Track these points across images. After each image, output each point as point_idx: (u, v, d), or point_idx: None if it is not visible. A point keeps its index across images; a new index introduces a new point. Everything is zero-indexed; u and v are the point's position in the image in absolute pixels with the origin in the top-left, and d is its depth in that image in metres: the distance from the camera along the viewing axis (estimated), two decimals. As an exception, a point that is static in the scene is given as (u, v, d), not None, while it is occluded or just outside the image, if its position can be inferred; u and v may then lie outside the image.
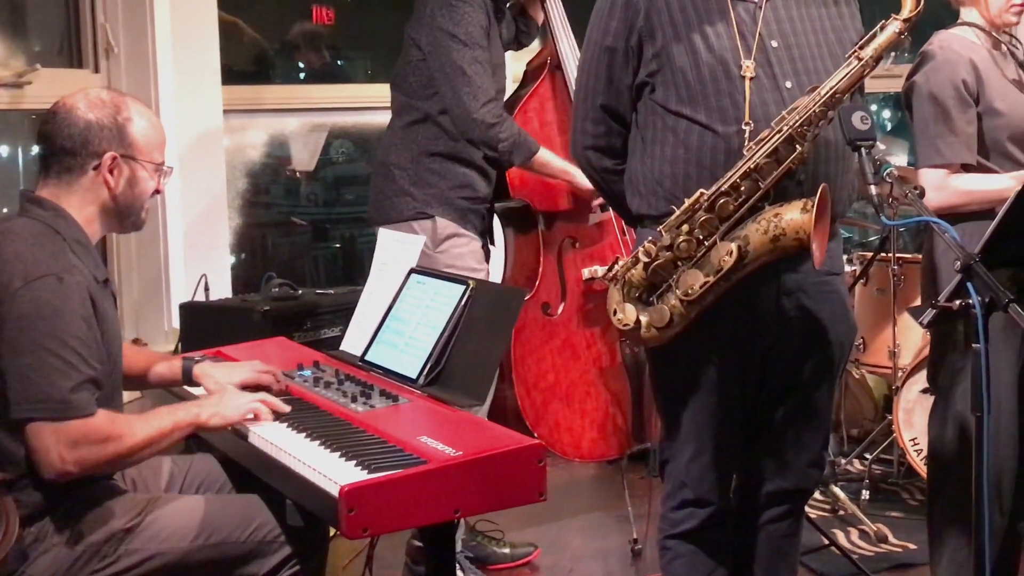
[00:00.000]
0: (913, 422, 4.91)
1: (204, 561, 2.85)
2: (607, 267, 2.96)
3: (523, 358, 4.91)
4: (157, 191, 3.01)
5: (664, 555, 3.17)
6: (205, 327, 4.50)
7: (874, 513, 4.88)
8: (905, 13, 2.82)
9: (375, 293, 3.46)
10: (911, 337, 5.17)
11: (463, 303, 3.10)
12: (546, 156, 4.36)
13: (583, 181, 4.09)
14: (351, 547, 3.95)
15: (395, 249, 3.51)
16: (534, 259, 4.89)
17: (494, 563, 4.49)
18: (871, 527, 4.69)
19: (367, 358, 3.31)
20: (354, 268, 6.82)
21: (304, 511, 2.81)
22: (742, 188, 2.79)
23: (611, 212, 4.68)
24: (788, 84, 2.89)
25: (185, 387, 3.29)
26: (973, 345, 2.60)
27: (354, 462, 2.56)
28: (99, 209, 2.94)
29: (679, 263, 2.83)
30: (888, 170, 2.77)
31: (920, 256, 3.80)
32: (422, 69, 4.25)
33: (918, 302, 4.36)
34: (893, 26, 2.82)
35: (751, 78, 2.87)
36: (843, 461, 5.38)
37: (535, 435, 4.60)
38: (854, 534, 4.72)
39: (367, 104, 6.04)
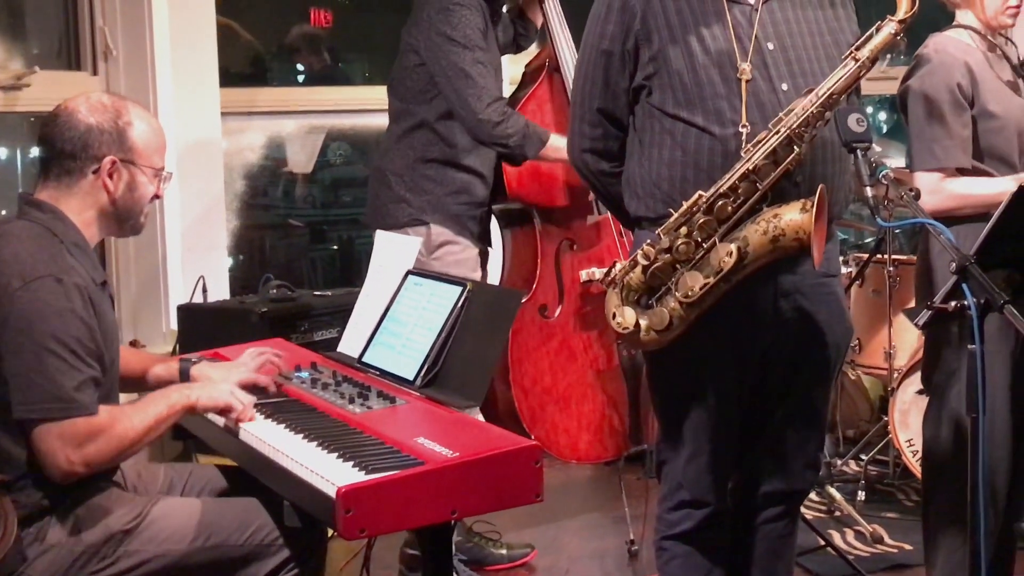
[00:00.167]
0: (909, 423, 4.92)
1: (203, 563, 2.86)
2: (605, 270, 2.97)
3: (520, 360, 4.92)
4: (156, 196, 3.01)
5: (661, 556, 3.17)
6: (203, 329, 4.51)
7: (870, 514, 4.89)
8: (900, 14, 2.83)
9: (372, 295, 3.47)
10: (907, 338, 5.18)
11: (460, 304, 3.10)
12: (559, 141, 4.34)
13: None
14: (349, 548, 3.96)
15: (392, 251, 3.51)
16: (531, 261, 4.89)
17: (491, 564, 4.50)
18: (867, 528, 4.70)
19: (364, 359, 3.31)
20: (351, 270, 6.82)
21: (302, 512, 2.81)
22: (740, 190, 2.79)
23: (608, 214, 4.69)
24: (784, 86, 2.90)
25: None
26: (968, 346, 2.61)
27: (351, 463, 2.56)
28: (98, 213, 2.94)
29: (678, 265, 2.84)
30: (884, 172, 2.77)
31: (916, 258, 3.80)
32: (420, 74, 4.25)
33: (913, 303, 4.36)
34: (889, 27, 2.83)
35: (747, 80, 2.87)
36: (839, 462, 5.39)
37: (532, 437, 4.61)
38: (850, 535, 4.73)
39: (365, 107, 6.05)
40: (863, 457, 5.35)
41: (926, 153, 3.54)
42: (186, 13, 5.31)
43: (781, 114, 2.80)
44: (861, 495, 5.08)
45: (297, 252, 6.96)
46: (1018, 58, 3.72)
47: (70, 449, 2.69)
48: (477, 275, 4.33)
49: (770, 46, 2.92)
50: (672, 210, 2.85)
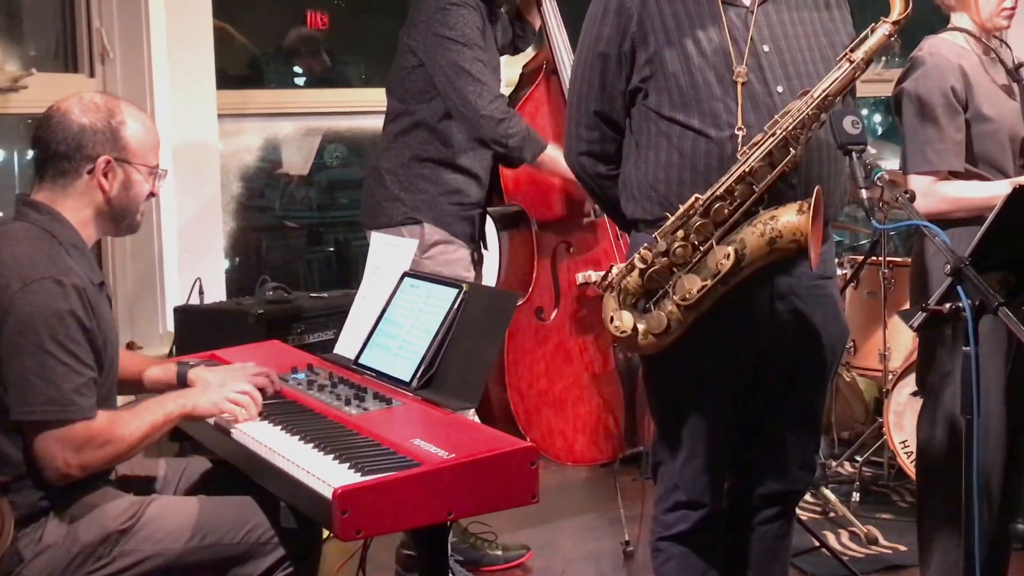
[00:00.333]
0: (903, 424, 4.93)
1: (199, 562, 2.86)
2: (602, 274, 2.97)
3: (516, 363, 4.92)
4: (152, 194, 3.02)
5: (656, 557, 3.18)
6: (199, 330, 4.51)
7: (864, 515, 4.90)
8: (894, 15, 2.83)
9: (368, 296, 3.47)
10: (901, 340, 5.19)
11: (456, 306, 3.11)
12: (556, 152, 4.35)
13: None
14: (345, 549, 3.97)
15: (388, 253, 3.52)
16: (528, 263, 4.89)
17: (487, 565, 4.51)
18: (861, 529, 4.71)
19: (361, 361, 3.32)
20: (348, 272, 6.82)
21: (298, 513, 2.82)
22: (736, 192, 2.80)
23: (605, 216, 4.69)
24: (780, 88, 2.90)
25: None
26: (963, 348, 2.61)
27: (347, 464, 2.57)
28: (94, 212, 2.94)
29: (675, 269, 2.84)
30: (879, 174, 2.77)
31: (910, 259, 3.80)
32: (418, 75, 4.25)
33: (908, 305, 4.37)
34: (883, 29, 2.83)
35: (743, 83, 2.88)
36: (834, 463, 5.40)
37: (527, 439, 4.61)
38: (844, 536, 4.74)
39: (361, 108, 6.05)
40: (858, 458, 5.36)
41: (919, 156, 3.54)
42: (183, 15, 5.31)
43: (777, 116, 2.81)
44: (856, 496, 5.09)
45: (294, 254, 6.96)
46: (1013, 61, 3.72)
47: (68, 453, 2.71)
48: (470, 275, 4.33)
49: (765, 48, 2.92)
50: (668, 213, 2.86)
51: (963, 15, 3.66)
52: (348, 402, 3.01)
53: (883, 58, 2.92)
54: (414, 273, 3.37)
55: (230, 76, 6.10)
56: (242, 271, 6.31)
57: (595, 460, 5.20)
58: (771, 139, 2.78)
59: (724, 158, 2.86)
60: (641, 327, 2.86)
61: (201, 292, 4.82)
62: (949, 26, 3.69)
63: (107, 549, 2.81)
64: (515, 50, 4.91)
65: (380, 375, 3.21)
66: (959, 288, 2.62)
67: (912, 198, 2.85)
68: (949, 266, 2.63)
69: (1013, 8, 3.62)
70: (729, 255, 2.78)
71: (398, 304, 3.31)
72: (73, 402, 2.71)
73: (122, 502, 2.88)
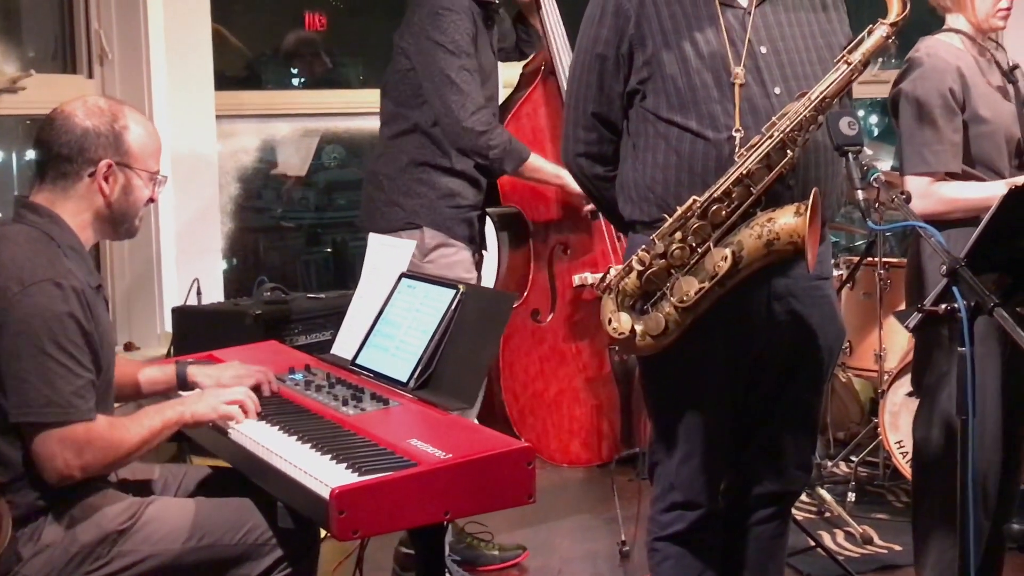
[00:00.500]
0: (899, 425, 4.94)
1: (197, 563, 2.86)
2: (599, 276, 2.98)
3: (512, 364, 4.93)
4: (152, 200, 3.02)
5: (653, 557, 3.18)
6: (197, 331, 4.52)
7: (860, 515, 4.90)
8: (892, 17, 2.83)
9: (366, 297, 3.48)
10: (897, 341, 5.20)
11: (453, 307, 3.11)
12: (537, 162, 4.37)
13: (575, 185, 4.11)
14: (342, 549, 3.97)
15: (386, 254, 3.52)
16: (524, 265, 4.91)
17: (483, 565, 4.51)
18: (857, 529, 4.71)
19: (358, 362, 3.32)
20: (345, 273, 6.83)
21: (295, 513, 2.83)
22: (734, 194, 2.80)
23: (602, 219, 4.69)
24: (777, 90, 2.90)
25: (180, 392, 3.29)
26: (959, 349, 2.62)
27: (345, 465, 2.58)
28: (93, 216, 2.94)
29: (673, 270, 2.84)
30: (875, 175, 2.78)
31: (906, 260, 3.81)
32: (411, 78, 4.26)
33: (904, 306, 4.38)
34: (880, 30, 2.83)
35: (741, 84, 2.88)
36: (829, 463, 5.40)
37: (522, 440, 4.62)
38: (840, 536, 4.74)
39: (359, 110, 6.06)
40: (853, 459, 5.36)
41: (917, 157, 3.55)
42: (181, 16, 5.32)
43: (774, 118, 2.81)
44: (851, 496, 5.08)
45: (291, 255, 6.97)
46: (1008, 63, 3.73)
47: (69, 454, 2.72)
48: (472, 276, 4.34)
49: (763, 50, 2.92)
50: (666, 214, 2.86)
51: (959, 16, 3.66)
52: (345, 402, 3.01)
53: (879, 59, 2.93)
54: (411, 274, 3.37)
55: (228, 77, 6.11)
56: (240, 272, 6.32)
57: (590, 462, 5.22)
58: (769, 141, 2.77)
59: (722, 160, 2.86)
60: (639, 328, 2.87)
61: (199, 293, 4.83)
62: (944, 27, 3.69)
63: (105, 549, 2.81)
64: (521, 55, 4.92)
65: (377, 376, 3.21)
66: (955, 289, 2.62)
67: (908, 199, 2.85)
68: (945, 267, 2.64)
69: (1009, 8, 3.61)
70: (727, 257, 2.78)
71: (395, 305, 3.32)
72: (73, 404, 2.72)
73: (121, 503, 2.89)
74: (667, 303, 2.84)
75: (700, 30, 2.92)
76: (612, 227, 4.55)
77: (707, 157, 2.89)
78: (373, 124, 4.53)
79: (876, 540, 4.66)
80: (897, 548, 4.57)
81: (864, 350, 5.37)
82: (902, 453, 4.92)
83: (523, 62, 5.07)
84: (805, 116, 2.78)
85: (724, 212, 2.81)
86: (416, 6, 4.28)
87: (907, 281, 3.73)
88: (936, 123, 3.52)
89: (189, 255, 5.36)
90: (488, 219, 4.68)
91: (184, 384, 3.26)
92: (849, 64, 2.81)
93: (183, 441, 4.09)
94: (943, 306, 2.66)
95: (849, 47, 2.86)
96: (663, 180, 2.94)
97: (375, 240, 3.63)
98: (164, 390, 3.30)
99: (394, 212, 4.28)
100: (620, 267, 2.91)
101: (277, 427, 2.91)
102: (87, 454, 2.74)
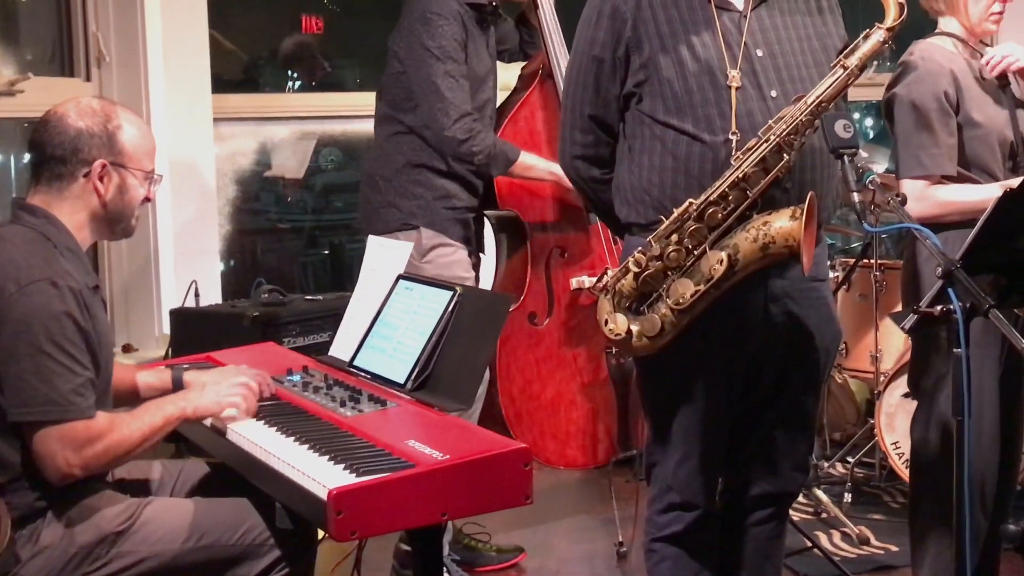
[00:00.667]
0: (895, 426, 4.94)
1: (195, 563, 2.87)
2: (596, 278, 2.98)
3: (508, 367, 4.94)
4: (147, 199, 3.02)
5: (650, 558, 3.18)
6: (195, 333, 4.53)
7: (856, 516, 4.90)
8: (889, 22, 2.83)
9: (363, 299, 3.48)
10: (893, 342, 5.21)
11: (450, 309, 3.12)
12: (529, 160, 4.38)
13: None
14: (339, 549, 3.97)
15: (383, 255, 3.53)
16: (522, 268, 4.91)
17: (480, 565, 4.51)
18: (853, 529, 4.72)
19: (355, 363, 3.33)
20: (343, 274, 6.84)
21: (293, 514, 2.84)
22: (730, 197, 2.80)
23: (599, 222, 4.70)
24: (773, 93, 2.91)
25: None
26: (954, 350, 2.63)
27: (342, 465, 2.58)
28: (89, 216, 2.95)
29: (669, 272, 2.85)
30: (870, 177, 2.78)
31: (902, 262, 3.82)
32: (403, 81, 4.28)
33: (900, 308, 4.38)
34: (877, 35, 2.84)
35: (737, 88, 2.88)
36: (826, 464, 5.40)
37: (518, 442, 4.63)
38: (836, 536, 4.75)
39: (356, 112, 6.06)
40: (849, 459, 5.37)
41: (913, 161, 3.55)
42: (178, 19, 5.33)
43: (771, 122, 2.81)
44: (847, 497, 5.09)
45: (289, 257, 6.98)
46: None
47: (69, 452, 2.72)
48: (470, 276, 4.35)
49: (759, 53, 2.93)
50: (662, 217, 2.86)
51: (951, 20, 3.66)
52: (343, 404, 3.02)
53: (874, 62, 2.94)
54: (409, 276, 3.38)
55: (225, 80, 6.12)
56: (237, 274, 6.33)
57: (587, 464, 5.23)
58: (765, 145, 2.78)
59: (718, 162, 2.86)
60: (635, 329, 2.87)
61: (197, 294, 4.84)
62: (937, 31, 3.69)
63: (104, 550, 2.81)
64: (525, 56, 4.93)
65: (375, 377, 3.22)
66: (950, 290, 2.63)
67: (903, 201, 2.86)
68: (940, 269, 2.64)
69: (1001, 13, 3.62)
70: (722, 260, 2.79)
71: (393, 306, 3.32)
72: (72, 402, 2.72)
73: (119, 503, 2.89)
74: (663, 305, 2.85)
75: (696, 33, 2.92)
76: (609, 231, 4.55)
77: (703, 160, 2.89)
78: (370, 127, 4.55)
79: (872, 541, 4.67)
80: (893, 549, 4.58)
81: (860, 351, 5.38)
82: (898, 454, 4.92)
83: (520, 63, 5.08)
84: (801, 120, 2.79)
85: (720, 215, 2.81)
86: (407, 10, 4.30)
87: (903, 283, 3.73)
88: (932, 127, 3.52)
89: (187, 257, 5.37)
90: (486, 222, 4.68)
91: (180, 390, 3.26)
92: (846, 68, 2.82)
93: (180, 442, 4.09)
94: (939, 307, 2.66)
95: (846, 51, 2.86)
96: (659, 183, 2.95)
97: (373, 242, 3.63)
98: (160, 394, 3.29)
99: (391, 213, 4.29)
100: (617, 268, 2.91)
101: (275, 428, 2.91)
102: (87, 452, 2.74)
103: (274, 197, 6.77)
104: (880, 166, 5.58)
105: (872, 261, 5.16)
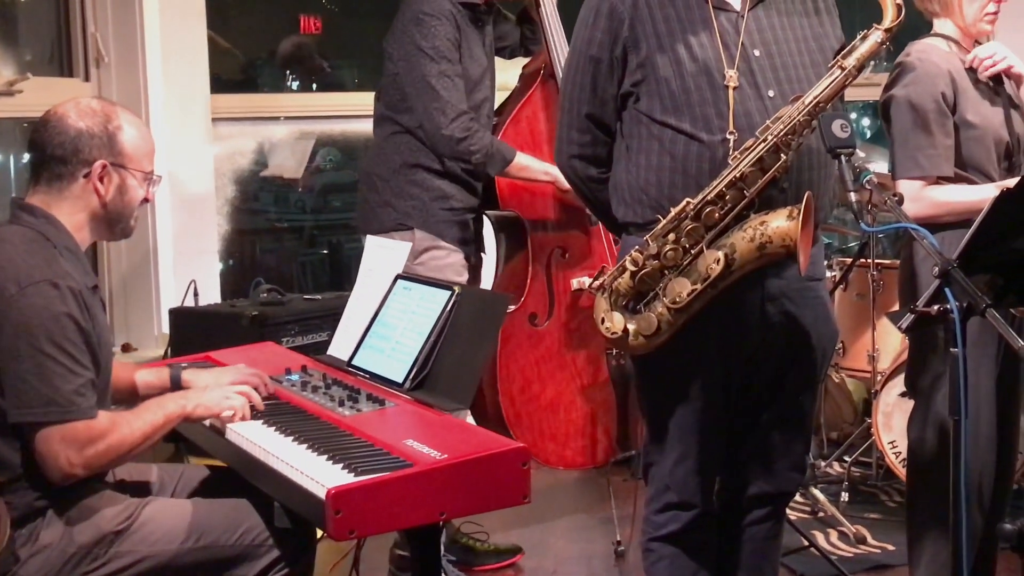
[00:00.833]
0: (892, 425, 4.95)
1: (194, 563, 2.88)
2: (594, 277, 2.99)
3: (508, 367, 4.93)
4: (146, 200, 3.03)
5: (647, 557, 3.19)
6: (194, 332, 4.54)
7: (853, 515, 4.91)
8: (887, 23, 2.84)
9: (362, 299, 3.49)
10: (890, 341, 5.21)
11: (449, 308, 3.12)
12: (524, 160, 4.38)
13: (566, 182, 4.12)
14: (338, 549, 3.98)
15: (382, 255, 3.53)
16: (522, 269, 4.91)
17: (479, 565, 4.51)
18: (850, 528, 4.72)
19: (354, 363, 3.33)
20: (341, 274, 6.84)
21: (292, 513, 2.84)
22: (727, 197, 2.81)
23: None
24: (771, 93, 2.91)
25: None
26: (951, 350, 2.64)
27: (341, 465, 2.59)
28: (89, 216, 2.95)
29: (666, 271, 2.85)
30: (868, 177, 2.78)
31: (899, 262, 3.82)
32: (398, 82, 4.28)
33: (897, 307, 4.39)
34: (875, 35, 2.84)
35: (734, 87, 2.89)
36: (823, 464, 5.41)
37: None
38: (833, 535, 4.75)
39: (355, 112, 6.06)
40: (846, 459, 5.37)
41: (910, 162, 3.55)
42: (177, 19, 5.34)
43: (768, 122, 2.82)
44: (844, 496, 5.10)
45: (287, 256, 6.98)
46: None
47: (72, 452, 2.72)
48: (462, 279, 4.34)
49: (756, 53, 2.93)
50: (659, 216, 2.87)
51: (946, 21, 3.66)
52: (342, 403, 3.02)
53: (872, 62, 2.94)
54: (407, 275, 3.38)
55: (224, 80, 6.12)
56: (236, 273, 6.33)
57: (586, 465, 5.23)
58: (762, 144, 2.78)
59: (715, 162, 2.87)
60: (632, 328, 2.88)
61: (196, 294, 4.84)
62: (932, 32, 3.69)
63: (103, 550, 2.82)
64: (526, 52, 4.93)
65: (373, 376, 3.22)
66: (947, 290, 2.63)
67: (900, 201, 2.86)
68: (937, 268, 2.65)
69: (996, 13, 3.62)
70: (719, 260, 2.79)
71: (391, 306, 3.33)
72: (73, 402, 2.73)
73: (118, 503, 2.90)
74: (660, 303, 2.85)
75: (694, 33, 2.93)
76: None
77: (701, 159, 2.90)
78: (368, 127, 4.55)
79: (869, 540, 4.67)
80: (890, 548, 4.59)
81: (857, 351, 5.38)
82: (895, 453, 4.93)
83: (521, 63, 5.08)
84: (799, 120, 2.79)
85: (717, 214, 2.82)
86: (401, 12, 4.30)
87: (900, 283, 3.73)
88: (929, 127, 3.52)
89: (186, 257, 5.37)
90: (487, 222, 4.69)
91: (178, 389, 3.26)
92: (843, 69, 2.82)
93: (180, 441, 4.10)
94: (936, 307, 2.66)
95: (843, 52, 2.87)
96: (656, 182, 2.95)
97: (372, 242, 3.64)
98: (159, 393, 3.30)
99: (387, 213, 4.30)
100: (614, 267, 2.92)
101: (274, 428, 2.91)
102: (89, 451, 2.74)
103: (273, 197, 6.77)
104: (877, 166, 5.59)
105: (869, 261, 5.16)
